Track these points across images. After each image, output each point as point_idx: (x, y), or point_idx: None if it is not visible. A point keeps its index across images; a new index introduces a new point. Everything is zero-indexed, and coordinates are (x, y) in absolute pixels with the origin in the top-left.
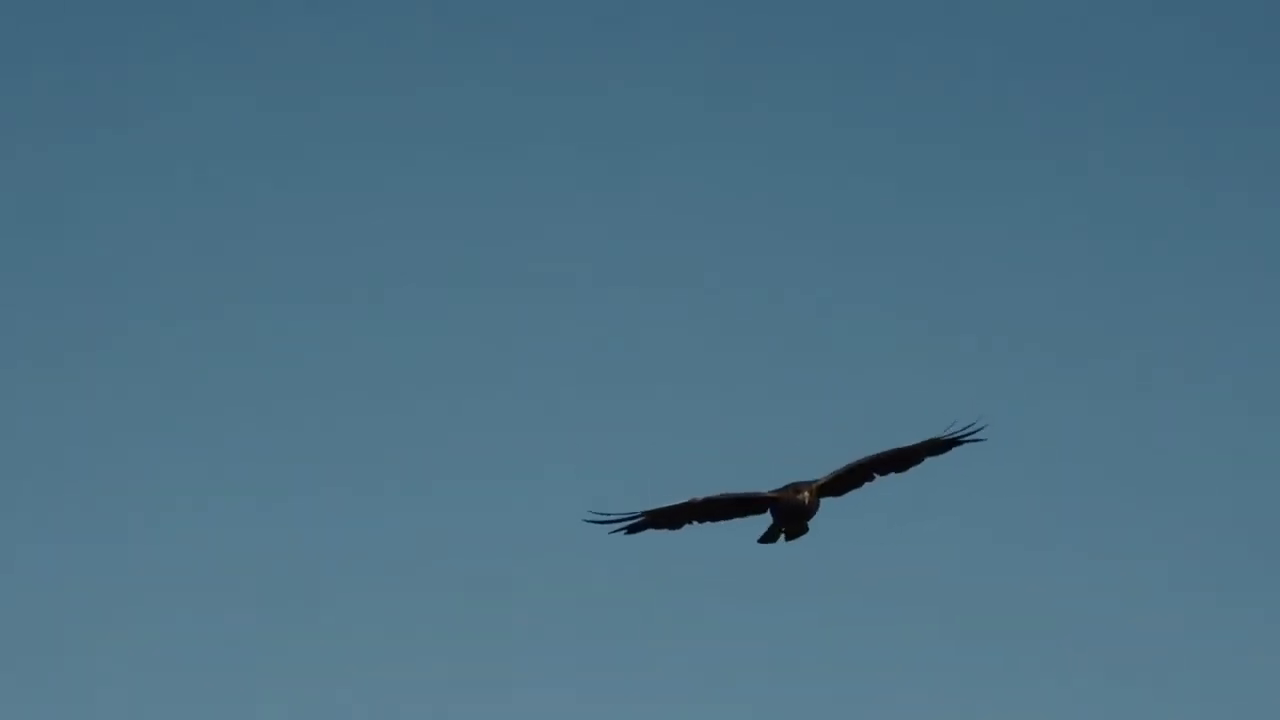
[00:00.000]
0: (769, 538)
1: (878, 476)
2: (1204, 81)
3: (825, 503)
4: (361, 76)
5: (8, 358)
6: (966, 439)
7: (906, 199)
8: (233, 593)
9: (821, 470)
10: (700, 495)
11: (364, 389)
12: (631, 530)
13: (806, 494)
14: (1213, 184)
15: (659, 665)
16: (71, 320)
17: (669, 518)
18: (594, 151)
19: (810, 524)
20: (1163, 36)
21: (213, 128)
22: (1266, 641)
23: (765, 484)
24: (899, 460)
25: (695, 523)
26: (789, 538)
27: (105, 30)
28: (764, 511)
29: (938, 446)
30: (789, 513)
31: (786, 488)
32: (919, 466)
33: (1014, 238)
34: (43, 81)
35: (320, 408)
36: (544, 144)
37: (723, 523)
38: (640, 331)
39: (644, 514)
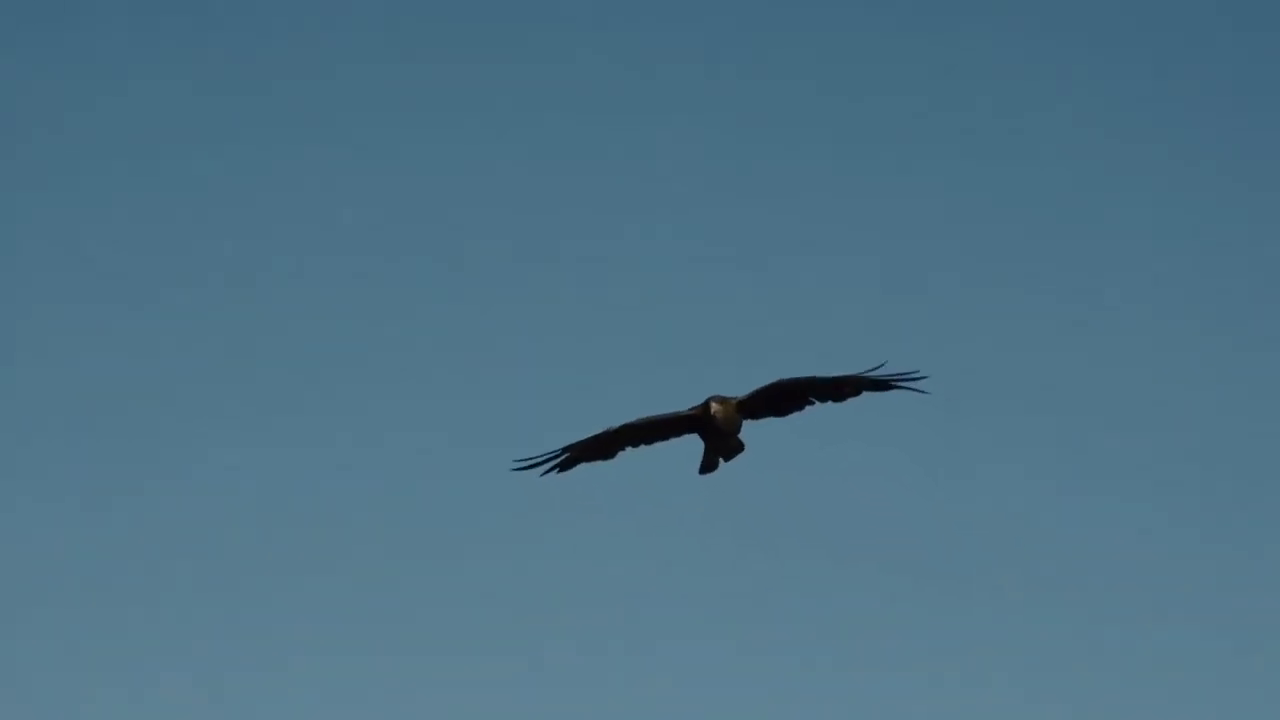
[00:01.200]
0: (708, 466)
1: (816, 402)
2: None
3: (771, 434)
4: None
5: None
6: (904, 385)
7: (848, 151)
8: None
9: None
10: (615, 424)
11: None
12: (563, 468)
13: (717, 405)
14: (1155, 130)
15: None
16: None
17: (594, 449)
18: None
19: (746, 443)
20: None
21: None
22: (1208, 576)
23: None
24: (830, 387)
25: (629, 448)
26: (726, 457)
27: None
28: (692, 430)
29: (872, 385)
30: (708, 428)
31: (705, 402)
32: (857, 400)
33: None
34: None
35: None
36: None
37: (658, 445)
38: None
39: (565, 449)
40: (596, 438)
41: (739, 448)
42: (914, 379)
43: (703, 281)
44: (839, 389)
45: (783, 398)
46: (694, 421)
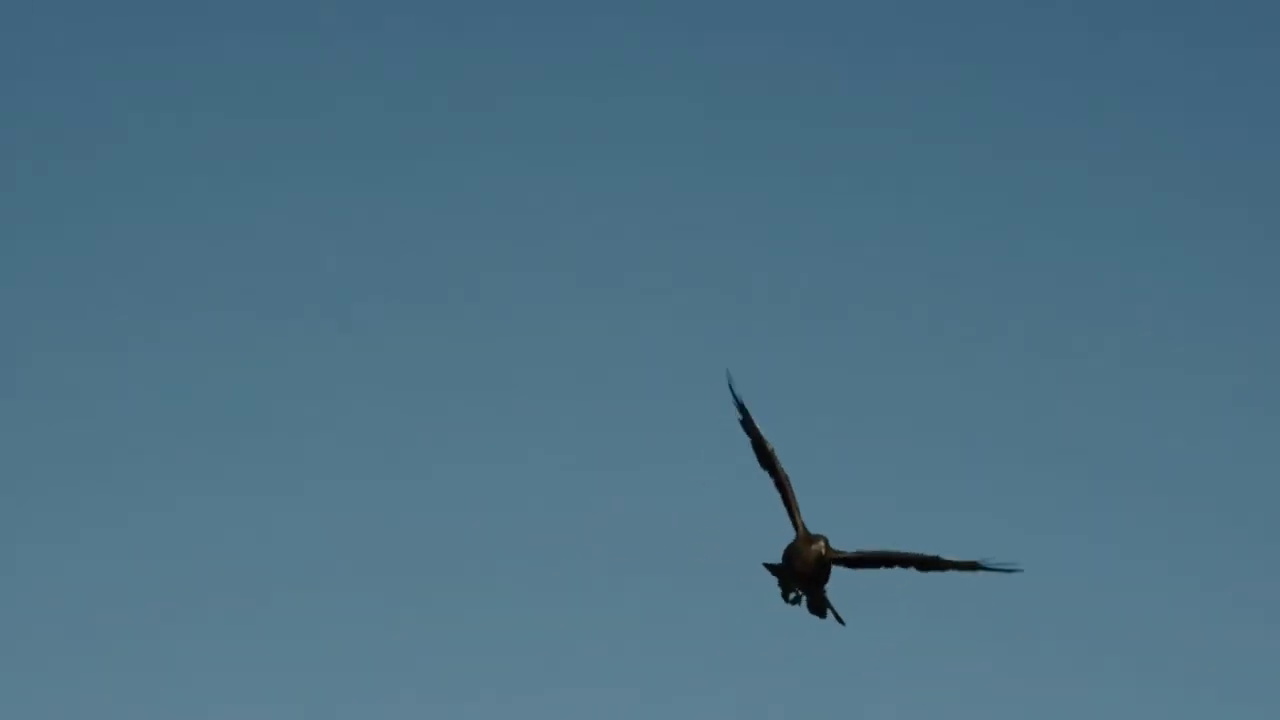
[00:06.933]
0: (788, 596)
1: (899, 568)
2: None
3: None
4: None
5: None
6: (1003, 570)
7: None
8: None
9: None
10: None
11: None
12: (744, 425)
13: (822, 545)
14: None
15: None
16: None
17: (758, 443)
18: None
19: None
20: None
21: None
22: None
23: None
24: (929, 565)
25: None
26: (796, 598)
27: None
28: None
29: (972, 568)
30: (790, 552)
31: (811, 536)
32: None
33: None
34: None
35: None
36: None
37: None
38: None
39: (743, 410)
40: (760, 437)
41: (820, 603)
42: (1011, 568)
43: None
44: (935, 567)
45: (884, 562)
46: (794, 534)
